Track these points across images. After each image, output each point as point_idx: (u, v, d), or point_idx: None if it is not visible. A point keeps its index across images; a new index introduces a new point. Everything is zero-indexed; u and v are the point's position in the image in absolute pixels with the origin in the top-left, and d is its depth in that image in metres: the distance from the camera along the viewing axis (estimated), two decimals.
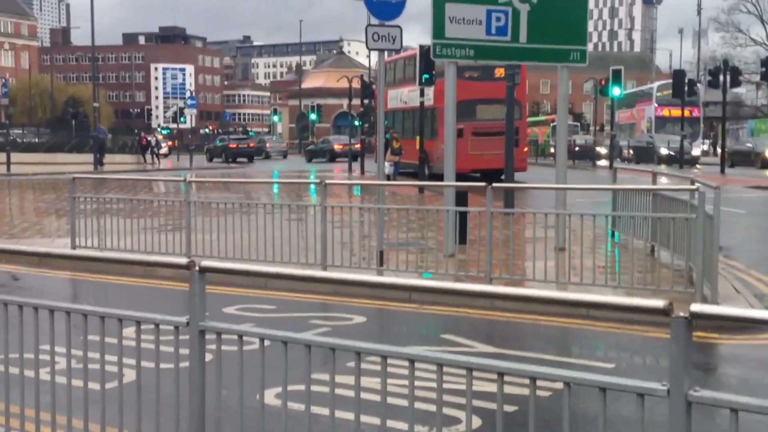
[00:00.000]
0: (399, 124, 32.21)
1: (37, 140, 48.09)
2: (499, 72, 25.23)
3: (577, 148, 45.67)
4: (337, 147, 50.30)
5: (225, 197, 21.15)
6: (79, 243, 12.19)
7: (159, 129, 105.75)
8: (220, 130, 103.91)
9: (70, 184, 12.39)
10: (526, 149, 29.61)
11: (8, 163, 36.94)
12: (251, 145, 55.10)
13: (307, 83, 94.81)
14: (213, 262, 3.59)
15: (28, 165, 38.49)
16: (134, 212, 12.61)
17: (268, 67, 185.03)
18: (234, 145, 52.75)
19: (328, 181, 10.44)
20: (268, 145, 60.35)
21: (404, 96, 30.81)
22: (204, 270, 3.44)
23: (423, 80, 21.85)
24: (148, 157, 45.71)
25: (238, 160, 51.31)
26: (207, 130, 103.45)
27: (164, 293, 9.76)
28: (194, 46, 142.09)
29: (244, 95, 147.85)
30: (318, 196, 10.64)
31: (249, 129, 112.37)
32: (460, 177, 11.28)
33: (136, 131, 51.88)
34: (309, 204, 13.84)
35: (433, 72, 21.97)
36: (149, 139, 47.14)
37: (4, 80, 56.59)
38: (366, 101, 33.92)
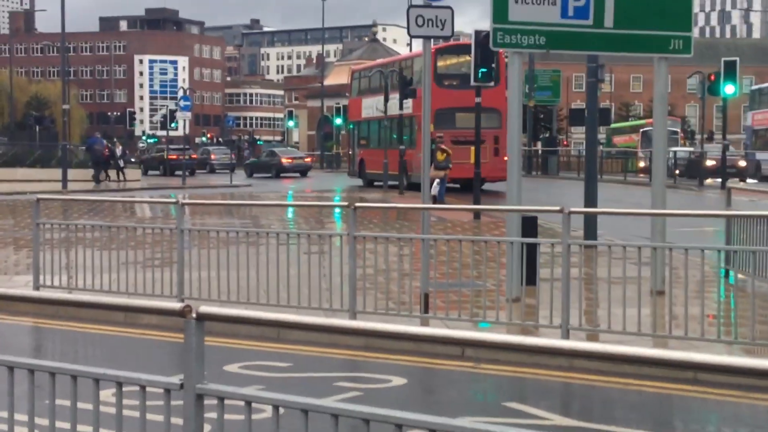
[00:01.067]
0: (375, 134, 39.81)
1: None
2: None
3: (711, 163, 42.08)
4: (285, 161, 54.42)
5: (227, 224, 21.33)
6: (44, 282, 12.36)
7: (144, 138, 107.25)
8: (221, 139, 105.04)
9: (34, 207, 12.59)
10: (506, 158, 33.31)
11: None
12: (193, 156, 59.70)
13: (332, 79, 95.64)
14: (213, 307, 3.62)
15: None
16: (112, 243, 12.77)
17: (282, 58, 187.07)
18: (174, 156, 56.76)
19: (358, 204, 10.50)
20: (213, 156, 64.34)
21: (381, 104, 37.21)
22: (202, 317, 3.47)
23: (479, 76, 21.89)
24: (112, 172, 45.55)
25: (177, 173, 54.95)
26: (204, 139, 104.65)
27: (151, 346, 9.84)
28: (189, 33, 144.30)
29: (251, 94, 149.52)
30: (344, 222, 10.69)
31: (257, 137, 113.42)
32: None
33: (114, 140, 52.71)
34: (333, 233, 13.90)
35: (493, 66, 22.04)
36: (112, 148, 47.24)
37: None
38: (406, 101, 34.44)
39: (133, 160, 58.72)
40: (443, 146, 28.61)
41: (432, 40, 11.48)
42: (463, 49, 31.46)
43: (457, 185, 32.32)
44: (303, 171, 54.87)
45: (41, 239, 12.50)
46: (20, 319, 11.06)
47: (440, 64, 34.57)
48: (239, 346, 9.39)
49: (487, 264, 10.62)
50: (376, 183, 39.18)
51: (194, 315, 3.46)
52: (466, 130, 30.99)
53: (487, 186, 32.92)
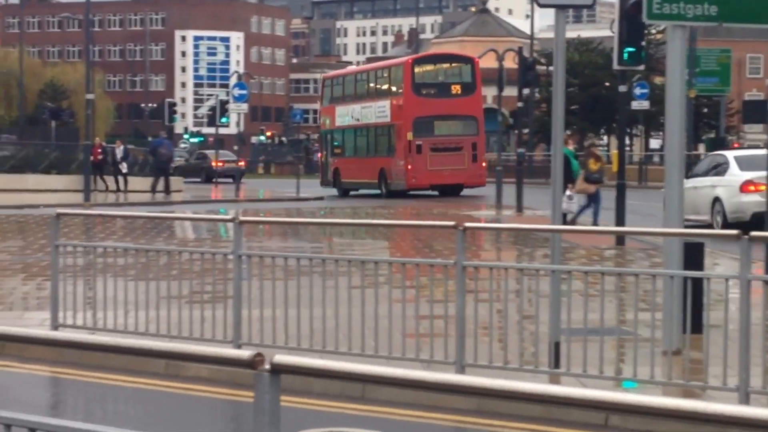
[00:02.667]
0: (350, 142, 49.60)
1: None
2: (456, 89, 42.81)
3: None
4: (216, 164, 61.54)
5: (294, 248, 21.45)
6: (64, 319, 12.52)
7: (186, 136, 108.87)
8: (284, 138, 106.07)
9: (52, 225, 12.80)
10: (484, 164, 45.15)
11: None
12: (141, 157, 63.19)
13: None
14: (290, 356, 3.64)
15: None
16: (149, 271, 12.96)
17: (363, 35, 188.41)
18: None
19: (468, 224, 10.48)
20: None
21: (356, 113, 47.88)
22: (278, 369, 3.49)
23: (625, 57, 21.64)
24: (108, 180, 45.44)
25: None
26: (263, 138, 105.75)
27: (200, 405, 9.93)
28: (245, 1, 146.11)
29: None
30: (447, 248, 10.68)
31: None
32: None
33: (149, 138, 53.55)
34: (432, 260, 13.88)
35: (642, 44, 21.82)
36: (108, 149, 46.98)
37: None
38: (527, 91, 34.71)
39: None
40: (597, 151, 28.01)
41: (557, 10, 11.41)
42: (440, 59, 44.59)
43: (436, 192, 42.88)
44: (236, 176, 61.25)
45: (61, 266, 12.70)
46: (33, 367, 11.21)
47: (417, 71, 44.81)
48: (312, 407, 9.43)
49: (637, 305, 10.50)
50: (352, 192, 48.73)
51: (268, 366, 3.48)
52: (444, 138, 42.17)
53: (465, 192, 44.34)
